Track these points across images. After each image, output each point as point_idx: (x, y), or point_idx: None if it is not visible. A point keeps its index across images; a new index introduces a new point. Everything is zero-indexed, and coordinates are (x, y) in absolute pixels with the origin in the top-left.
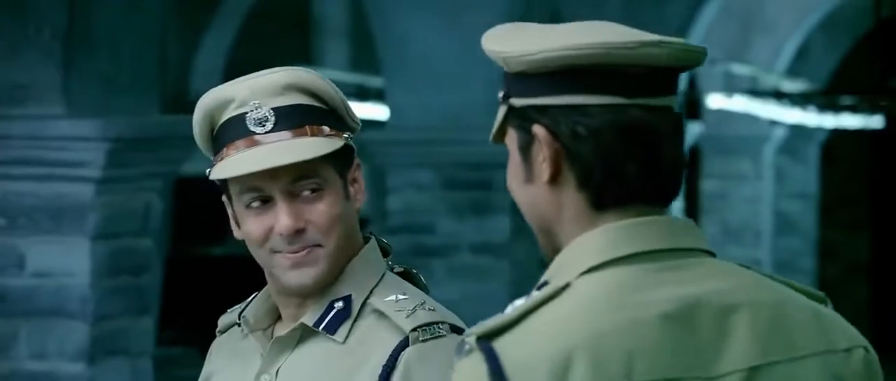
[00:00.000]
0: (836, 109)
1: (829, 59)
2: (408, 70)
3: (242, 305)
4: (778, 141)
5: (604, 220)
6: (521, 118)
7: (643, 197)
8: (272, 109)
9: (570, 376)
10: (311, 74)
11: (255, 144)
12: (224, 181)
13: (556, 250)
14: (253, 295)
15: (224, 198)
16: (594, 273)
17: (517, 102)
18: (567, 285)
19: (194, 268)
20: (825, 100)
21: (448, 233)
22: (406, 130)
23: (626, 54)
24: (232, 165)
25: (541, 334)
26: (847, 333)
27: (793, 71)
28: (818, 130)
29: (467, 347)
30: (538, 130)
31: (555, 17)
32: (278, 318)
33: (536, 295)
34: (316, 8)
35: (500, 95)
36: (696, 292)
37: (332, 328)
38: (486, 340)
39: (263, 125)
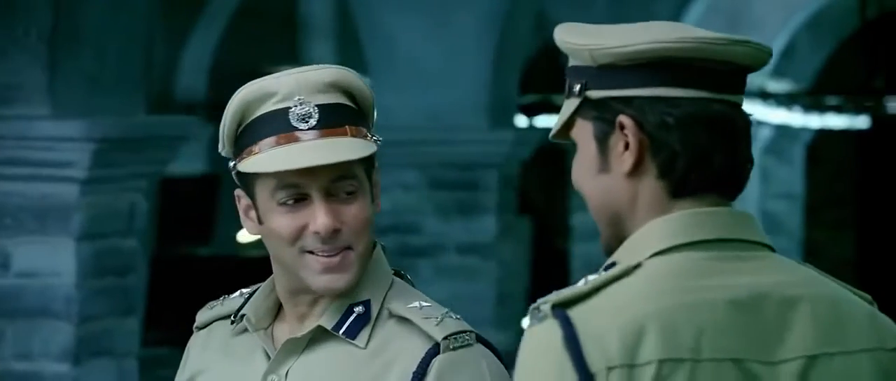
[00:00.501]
0: (822, 109)
1: (815, 59)
2: (394, 70)
3: (226, 301)
4: (763, 141)
5: (679, 207)
6: (600, 110)
7: (719, 187)
8: (317, 105)
9: (641, 344)
10: (353, 74)
11: (296, 140)
12: (248, 176)
13: (621, 241)
14: (238, 292)
15: (239, 193)
16: (664, 255)
17: (596, 94)
18: (638, 265)
19: (180, 268)
20: (810, 100)
21: (434, 233)
22: (392, 131)
23: (715, 50)
24: (274, 159)
25: (613, 305)
26: (895, 333)
27: (778, 71)
28: (803, 130)
29: (541, 314)
30: (625, 119)
31: (541, 17)
32: (276, 316)
33: (608, 272)
34: (302, 7)
35: (576, 88)
36: (762, 282)
37: (352, 333)
38: (560, 308)
39: (306, 121)
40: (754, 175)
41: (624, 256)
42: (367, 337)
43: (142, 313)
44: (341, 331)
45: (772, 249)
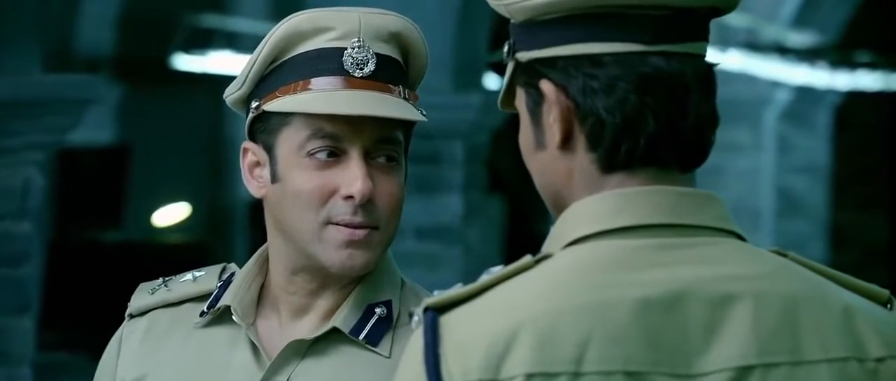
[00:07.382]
0: (851, 66)
1: (843, 8)
2: None
3: (172, 285)
4: (781, 105)
5: (609, 185)
6: (528, 75)
7: (658, 159)
8: (375, 53)
9: (510, 354)
10: (418, 31)
11: (347, 86)
12: (270, 121)
13: None
14: (188, 274)
15: (248, 145)
16: (580, 245)
17: (523, 56)
18: (546, 257)
19: (83, 257)
20: (837, 56)
21: None
22: None
23: None
24: (329, 100)
25: (494, 308)
26: (889, 340)
27: (799, 21)
28: (829, 91)
29: (417, 318)
30: (545, 85)
31: None
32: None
33: (506, 268)
34: None
35: (505, 49)
36: (689, 276)
37: (374, 339)
38: (435, 312)
39: (361, 68)
40: (771, 146)
41: (549, 245)
42: (390, 344)
43: (37, 311)
44: (362, 336)
45: (739, 236)
